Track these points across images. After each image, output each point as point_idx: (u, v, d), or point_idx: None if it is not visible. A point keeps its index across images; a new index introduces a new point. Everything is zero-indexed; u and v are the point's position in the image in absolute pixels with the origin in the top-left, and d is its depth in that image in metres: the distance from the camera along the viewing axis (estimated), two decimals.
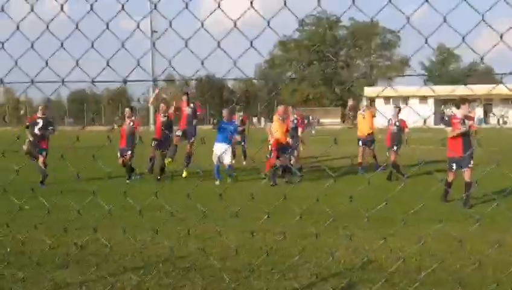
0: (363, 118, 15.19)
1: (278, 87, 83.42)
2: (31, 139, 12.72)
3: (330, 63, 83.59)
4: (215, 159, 13.31)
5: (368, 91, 69.23)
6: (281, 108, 13.98)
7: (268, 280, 5.49)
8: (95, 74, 2.88)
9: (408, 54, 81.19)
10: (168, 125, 14.15)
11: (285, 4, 2.35)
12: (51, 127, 13.07)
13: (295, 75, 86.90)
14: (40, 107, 13.38)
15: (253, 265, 5.85)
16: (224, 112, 14.43)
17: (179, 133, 14.28)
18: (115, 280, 5.45)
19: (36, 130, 12.80)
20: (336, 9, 75.14)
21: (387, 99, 65.00)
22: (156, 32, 51.38)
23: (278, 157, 13.14)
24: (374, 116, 15.36)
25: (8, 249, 6.58)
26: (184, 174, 14.19)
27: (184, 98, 14.85)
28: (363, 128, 15.06)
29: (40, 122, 12.91)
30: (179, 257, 6.29)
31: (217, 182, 13.13)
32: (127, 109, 14.50)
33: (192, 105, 14.44)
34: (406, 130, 13.68)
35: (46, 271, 5.60)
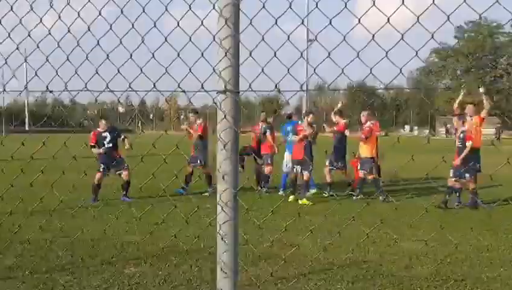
0: None
1: (432, 95, 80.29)
2: (99, 151, 11.81)
3: (488, 71, 78.57)
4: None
5: None
6: (364, 113, 13.10)
7: None
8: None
9: None
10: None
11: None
12: (121, 136, 12.14)
13: (451, 83, 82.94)
14: (103, 122, 12.14)
15: (441, 275, 6.09)
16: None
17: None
18: (295, 281, 5.85)
19: (106, 144, 11.88)
20: (497, 16, 69.96)
21: None
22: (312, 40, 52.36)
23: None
24: None
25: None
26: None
27: (262, 116, 14.29)
28: None
29: (107, 135, 11.94)
30: (361, 261, 6.72)
31: (280, 192, 13.09)
32: (190, 114, 14.00)
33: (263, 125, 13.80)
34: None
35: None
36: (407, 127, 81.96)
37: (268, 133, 13.70)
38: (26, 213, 6.93)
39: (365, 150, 12.53)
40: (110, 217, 8.93)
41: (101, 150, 11.75)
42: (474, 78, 77.31)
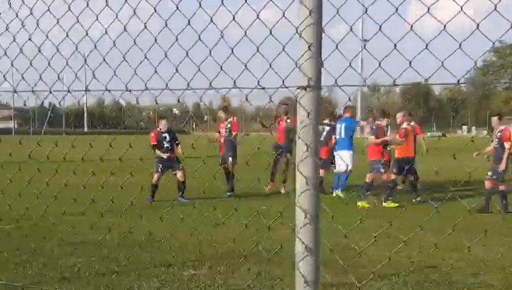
0: None
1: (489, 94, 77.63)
2: (163, 156, 11.80)
3: None
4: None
5: None
6: (400, 114, 12.53)
7: None
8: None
9: None
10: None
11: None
12: (177, 141, 12.20)
13: (510, 82, 79.87)
14: (163, 122, 12.16)
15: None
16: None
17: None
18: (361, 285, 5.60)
19: (165, 144, 11.91)
20: None
21: None
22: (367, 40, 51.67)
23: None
24: None
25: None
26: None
27: (282, 110, 13.49)
28: None
29: (167, 135, 12.00)
30: (424, 267, 6.38)
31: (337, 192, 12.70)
32: (220, 112, 13.51)
33: (289, 120, 13.07)
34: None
35: None
36: (464, 128, 79.64)
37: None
38: (97, 213, 6.91)
39: (402, 152, 12.02)
40: (167, 218, 8.90)
41: (164, 155, 11.79)
42: None
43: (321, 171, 12.93)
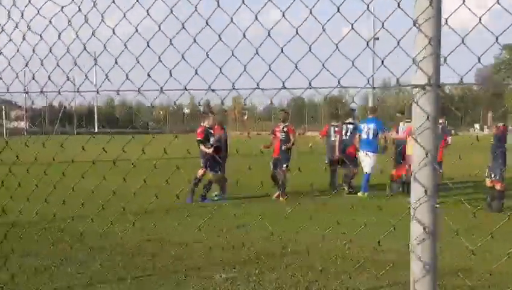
0: None
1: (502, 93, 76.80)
2: (207, 151, 11.52)
3: None
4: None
5: None
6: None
7: None
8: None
9: None
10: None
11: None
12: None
13: None
14: (211, 118, 11.94)
15: None
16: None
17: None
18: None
19: (212, 142, 11.74)
20: None
21: None
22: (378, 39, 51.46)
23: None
24: None
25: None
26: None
27: (282, 116, 12.85)
28: None
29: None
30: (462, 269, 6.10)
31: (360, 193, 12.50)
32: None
33: (285, 129, 12.34)
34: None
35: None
36: (476, 126, 78.89)
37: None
38: (118, 215, 6.72)
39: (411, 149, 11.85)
40: (193, 220, 8.66)
41: (209, 150, 11.43)
42: None
43: (353, 169, 13.13)
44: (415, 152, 2.33)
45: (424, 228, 2.32)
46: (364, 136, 12.73)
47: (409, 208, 2.37)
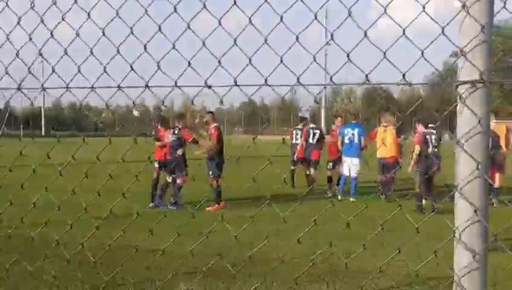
0: None
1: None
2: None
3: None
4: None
5: None
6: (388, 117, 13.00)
7: None
8: None
9: None
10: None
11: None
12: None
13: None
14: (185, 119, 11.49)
15: None
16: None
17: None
18: None
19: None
20: None
21: None
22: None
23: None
24: None
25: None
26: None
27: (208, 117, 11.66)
28: None
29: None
30: None
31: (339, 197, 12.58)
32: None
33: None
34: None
35: None
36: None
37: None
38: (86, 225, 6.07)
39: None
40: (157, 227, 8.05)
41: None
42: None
43: (311, 170, 13.60)
44: (461, 163, 1.92)
45: (474, 256, 1.90)
46: (347, 141, 12.66)
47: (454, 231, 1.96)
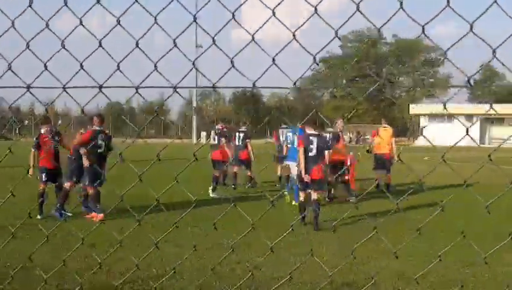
0: None
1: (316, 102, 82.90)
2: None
3: (373, 79, 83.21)
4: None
5: (413, 108, 69.79)
6: (339, 122, 13.38)
7: None
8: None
9: (451, 72, 78.98)
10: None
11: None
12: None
13: (336, 91, 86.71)
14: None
15: None
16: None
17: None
18: None
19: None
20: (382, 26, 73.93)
21: (433, 116, 64.65)
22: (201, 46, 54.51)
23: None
24: None
25: None
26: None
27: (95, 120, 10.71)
28: None
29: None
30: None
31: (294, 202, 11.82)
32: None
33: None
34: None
35: None
36: None
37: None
38: None
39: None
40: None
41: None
42: (359, 87, 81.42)
43: (235, 168, 15.02)
44: None
45: None
46: (290, 145, 12.82)
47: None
